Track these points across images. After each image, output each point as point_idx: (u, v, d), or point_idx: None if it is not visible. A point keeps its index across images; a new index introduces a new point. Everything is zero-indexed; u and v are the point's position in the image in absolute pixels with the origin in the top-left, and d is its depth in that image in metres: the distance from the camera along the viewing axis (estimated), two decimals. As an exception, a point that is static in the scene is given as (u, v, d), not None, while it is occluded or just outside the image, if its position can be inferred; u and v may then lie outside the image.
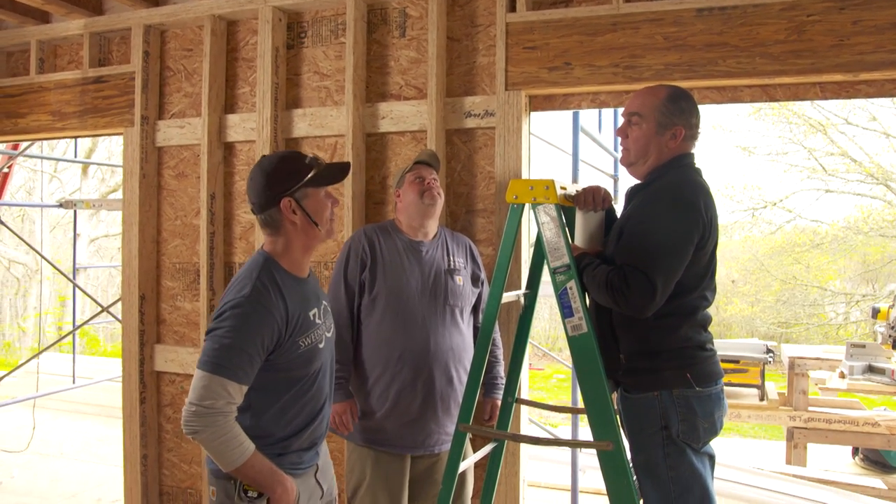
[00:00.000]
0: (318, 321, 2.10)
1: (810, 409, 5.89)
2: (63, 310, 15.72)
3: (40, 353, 6.04)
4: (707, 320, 2.23)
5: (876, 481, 5.51)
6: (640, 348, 2.20)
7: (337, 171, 2.10)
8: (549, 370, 14.33)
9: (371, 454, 2.72)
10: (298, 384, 2.05)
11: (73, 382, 6.99)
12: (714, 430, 2.16)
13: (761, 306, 17.51)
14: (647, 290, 2.02)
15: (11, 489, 5.14)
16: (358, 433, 2.74)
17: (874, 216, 15.94)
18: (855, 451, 6.59)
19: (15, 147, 5.99)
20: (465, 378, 2.73)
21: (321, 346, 2.10)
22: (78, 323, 6.88)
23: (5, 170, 6.04)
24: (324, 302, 2.19)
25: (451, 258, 2.81)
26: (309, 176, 2.01)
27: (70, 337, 6.90)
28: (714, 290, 2.22)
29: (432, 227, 2.82)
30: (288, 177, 2.00)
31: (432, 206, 2.75)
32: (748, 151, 16.49)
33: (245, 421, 1.97)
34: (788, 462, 5.90)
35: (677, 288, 2.10)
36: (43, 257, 6.61)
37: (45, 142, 12.45)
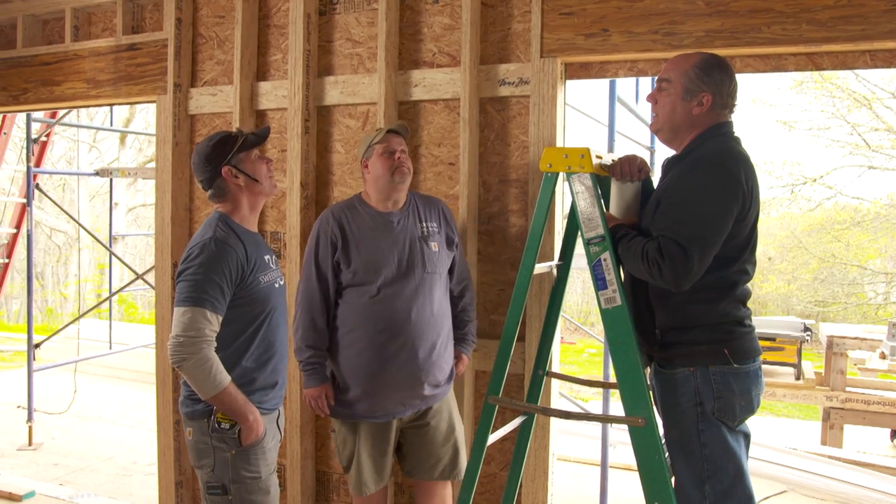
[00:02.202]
0: (272, 266, 2.46)
1: (848, 389, 5.75)
2: (102, 277, 16.04)
3: (76, 319, 6.16)
4: (746, 295, 2.16)
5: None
6: (676, 322, 2.14)
7: (260, 135, 2.46)
8: (580, 344, 14.27)
9: (358, 427, 2.72)
10: (259, 319, 2.36)
11: (110, 348, 7.13)
12: (751, 409, 2.11)
13: (798, 284, 17.22)
14: (683, 262, 1.96)
15: (52, 450, 5.29)
16: (345, 408, 2.72)
17: (920, 194, 15.51)
18: (893, 434, 6.44)
19: (53, 115, 6.06)
20: (447, 343, 2.75)
21: (276, 286, 2.45)
22: (115, 290, 6.99)
23: (43, 138, 6.11)
24: (273, 256, 2.54)
25: (424, 224, 2.77)
26: (238, 144, 2.36)
27: (104, 306, 7.02)
28: (754, 264, 2.16)
29: (402, 196, 2.78)
30: (221, 150, 2.35)
31: (402, 183, 2.71)
32: (789, 126, 16.11)
33: (221, 351, 2.24)
34: (824, 443, 5.78)
35: (716, 261, 2.03)
36: (81, 226, 6.73)
37: (84, 112, 12.63)
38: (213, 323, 2.18)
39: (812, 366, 6.36)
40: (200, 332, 2.14)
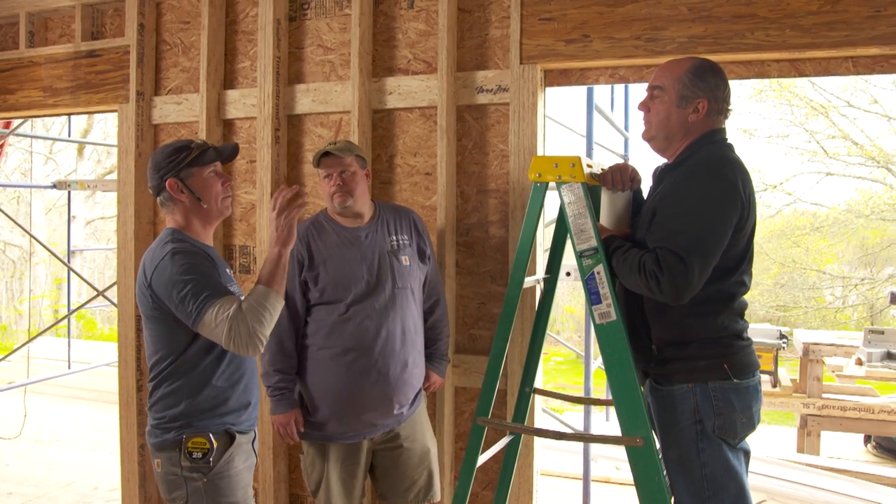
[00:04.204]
0: (232, 279, 2.29)
1: (824, 395, 5.75)
2: (59, 293, 15.58)
3: (33, 338, 5.90)
4: (744, 307, 2.09)
5: (894, 470, 5.38)
6: (673, 337, 2.06)
7: (221, 151, 2.24)
8: (547, 352, 14.25)
9: (327, 448, 2.60)
10: None
11: (69, 368, 6.86)
12: (752, 425, 2.03)
13: (760, 289, 17.44)
14: (683, 274, 1.88)
15: (6, 477, 5.03)
16: (315, 429, 2.61)
17: (874, 199, 15.86)
18: (867, 439, 6.48)
19: (7, 125, 5.82)
20: (419, 360, 2.65)
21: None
22: (73, 307, 6.74)
23: (-4, 149, 5.88)
24: (230, 270, 2.37)
25: (394, 237, 2.66)
26: (190, 157, 2.16)
27: (62, 323, 6.76)
28: (751, 275, 2.09)
29: (364, 210, 2.66)
30: (172, 160, 2.16)
31: (344, 206, 2.59)
32: (749, 134, 16.38)
33: (190, 372, 2.12)
34: (800, 450, 5.78)
35: (715, 272, 1.96)
36: (36, 240, 6.47)
37: (40, 122, 12.25)
38: (232, 301, 2.00)
39: (786, 372, 6.38)
40: (228, 315, 1.95)
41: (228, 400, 2.18)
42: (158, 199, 2.23)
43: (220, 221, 2.32)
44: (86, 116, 14.96)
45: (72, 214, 7.63)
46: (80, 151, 15.76)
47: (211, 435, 2.11)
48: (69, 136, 7.43)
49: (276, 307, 2.04)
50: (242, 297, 2.08)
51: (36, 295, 16.08)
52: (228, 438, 2.15)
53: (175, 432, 2.11)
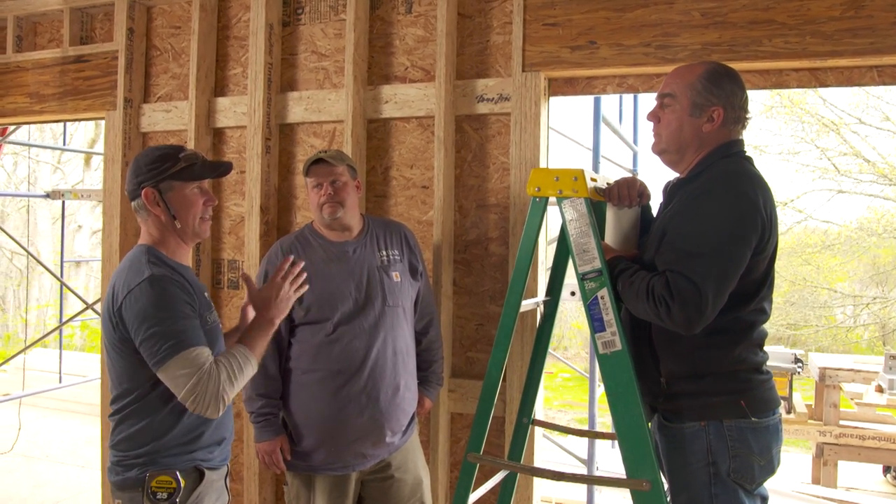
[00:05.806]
0: (211, 304, 2.11)
1: (841, 423, 5.47)
2: (66, 302, 15.51)
3: (21, 350, 5.76)
4: (763, 337, 1.89)
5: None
6: (684, 370, 1.87)
7: (210, 168, 2.05)
8: (553, 369, 14.00)
9: (313, 480, 2.43)
10: None
11: (60, 381, 6.70)
12: (771, 469, 1.83)
13: (769, 307, 17.19)
14: (696, 301, 1.69)
15: (-11, 496, 4.88)
16: (300, 459, 2.43)
17: (886, 217, 15.63)
18: (886, 469, 6.19)
19: (2, 133, 5.70)
20: (412, 384, 2.48)
21: (219, 327, 2.11)
22: (66, 319, 6.60)
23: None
24: (207, 293, 2.19)
25: (384, 252, 2.50)
26: (174, 169, 1.97)
27: (64, 334, 6.61)
28: (771, 302, 1.90)
29: (353, 223, 2.49)
30: (155, 167, 1.97)
31: (333, 218, 2.43)
32: (759, 150, 16.16)
33: (158, 411, 1.92)
34: (816, 480, 5.48)
35: (731, 299, 1.76)
36: (29, 253, 6.34)
37: (49, 130, 12.16)
38: (207, 355, 1.84)
39: (800, 398, 6.11)
40: (198, 370, 1.79)
41: (202, 435, 1.98)
42: (132, 203, 2.02)
43: (196, 242, 2.13)
44: (93, 126, 14.89)
45: (78, 224, 7.52)
46: (88, 161, 15.70)
47: (178, 473, 1.91)
48: (64, 144, 7.28)
49: (250, 375, 1.94)
50: (210, 350, 1.89)
51: (40, 304, 16.03)
52: (197, 476, 1.95)
53: (138, 469, 1.90)
